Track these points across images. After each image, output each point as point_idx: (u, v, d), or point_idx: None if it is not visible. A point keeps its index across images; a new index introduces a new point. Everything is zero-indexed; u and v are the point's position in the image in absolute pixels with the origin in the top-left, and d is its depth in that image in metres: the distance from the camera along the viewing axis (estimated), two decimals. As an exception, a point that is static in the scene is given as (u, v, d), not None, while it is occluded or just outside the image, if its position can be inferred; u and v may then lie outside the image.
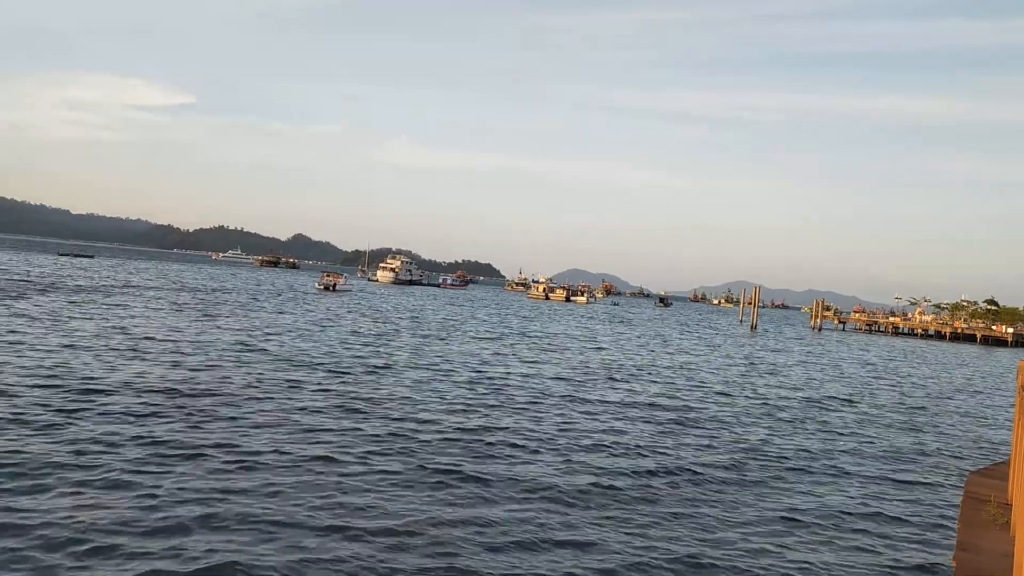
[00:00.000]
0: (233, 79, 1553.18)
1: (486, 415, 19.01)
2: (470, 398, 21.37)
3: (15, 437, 13.08)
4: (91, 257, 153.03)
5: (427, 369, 26.81)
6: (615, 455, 15.80)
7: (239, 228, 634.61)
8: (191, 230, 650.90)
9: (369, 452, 14.25)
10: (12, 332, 26.58)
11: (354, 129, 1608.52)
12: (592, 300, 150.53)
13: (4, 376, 18.32)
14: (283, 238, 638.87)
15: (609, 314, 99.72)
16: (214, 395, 18.38)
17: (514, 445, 15.92)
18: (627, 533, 11.12)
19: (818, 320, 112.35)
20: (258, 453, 13.47)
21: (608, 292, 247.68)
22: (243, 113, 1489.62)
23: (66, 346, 24.34)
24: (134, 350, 24.89)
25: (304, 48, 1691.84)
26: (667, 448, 16.95)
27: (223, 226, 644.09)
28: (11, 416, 14.51)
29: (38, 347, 23.54)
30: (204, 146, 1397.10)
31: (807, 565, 10.52)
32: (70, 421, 14.52)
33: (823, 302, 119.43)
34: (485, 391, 22.92)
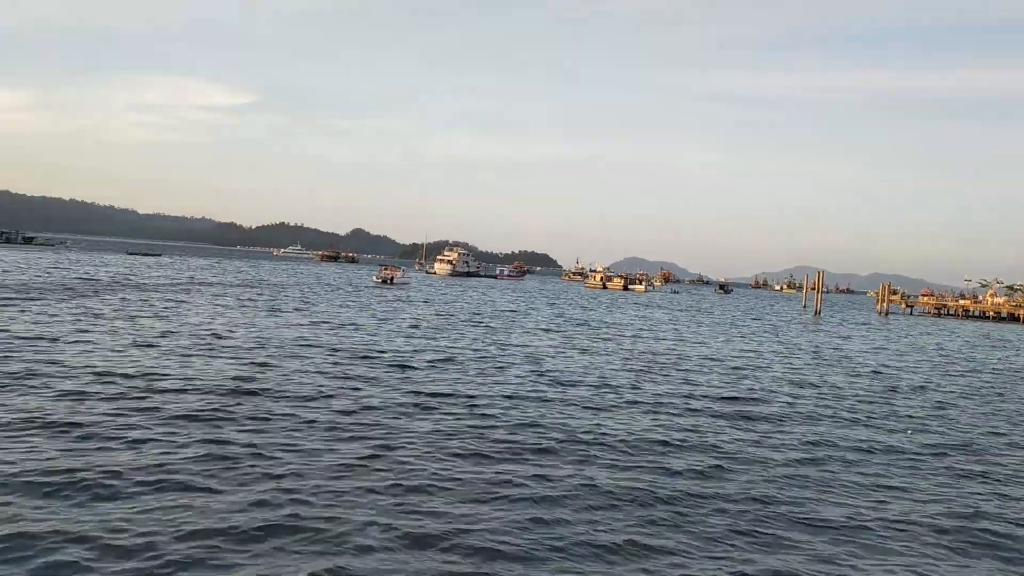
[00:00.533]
0: (292, 77, 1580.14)
1: (549, 409, 18.71)
2: (532, 391, 21.07)
3: (87, 446, 13.27)
4: (158, 255, 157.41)
5: (488, 361, 26.63)
6: (683, 450, 15.34)
7: (299, 224, 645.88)
8: (253, 227, 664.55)
9: (432, 447, 14.09)
10: (83, 331, 27.23)
11: (409, 123, 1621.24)
12: (650, 288, 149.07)
13: (75, 375, 18.72)
14: (342, 233, 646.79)
15: (668, 302, 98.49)
16: (279, 391, 18.46)
17: (578, 440, 15.59)
18: (704, 539, 10.71)
19: (884, 304, 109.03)
20: (318, 452, 13.43)
21: (666, 280, 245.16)
22: (302, 110, 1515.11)
23: (136, 344, 24.84)
24: (200, 346, 25.27)
25: (358, 45, 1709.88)
26: (737, 442, 16.41)
27: (284, 223, 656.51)
28: (87, 424, 14.75)
29: (106, 345, 24.06)
30: (265, 144, 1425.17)
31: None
32: (136, 418, 14.72)
33: (889, 285, 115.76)
34: (547, 384, 22.59)
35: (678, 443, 15.91)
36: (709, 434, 17.03)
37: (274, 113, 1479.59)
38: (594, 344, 35.75)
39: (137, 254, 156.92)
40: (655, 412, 19.24)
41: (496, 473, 12.83)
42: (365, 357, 25.59)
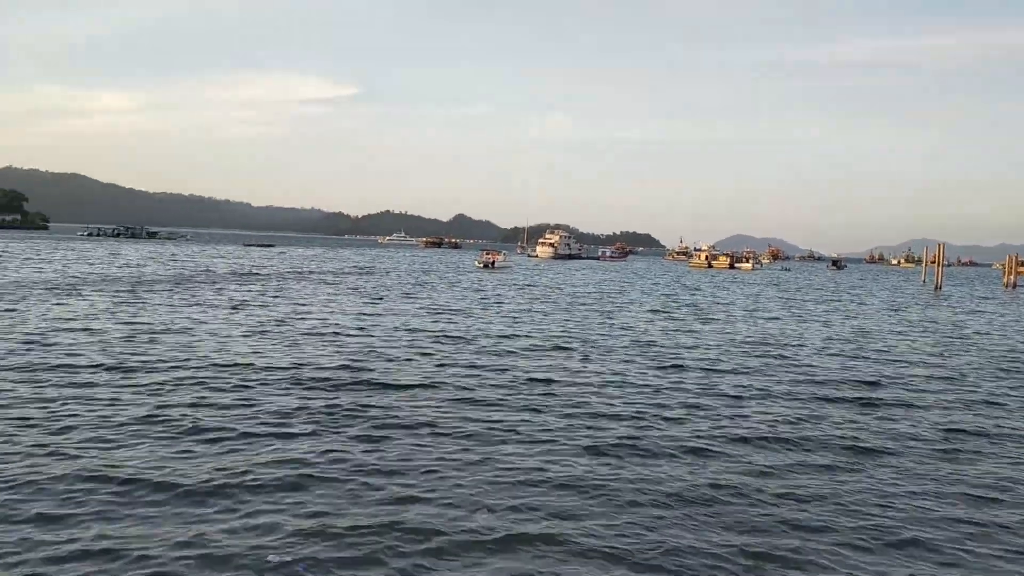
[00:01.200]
0: (392, 68, 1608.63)
1: (661, 394, 18.18)
2: (642, 375, 20.56)
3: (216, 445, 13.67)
4: (271, 246, 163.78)
5: (594, 346, 26.20)
6: (806, 442, 14.55)
7: (403, 212, 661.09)
8: (359, 216, 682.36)
9: (544, 436, 13.85)
10: (203, 323, 28.37)
11: (508, 108, 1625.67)
12: (758, 266, 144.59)
13: (199, 367, 19.44)
14: (444, 219, 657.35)
15: (778, 280, 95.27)
16: (390, 381, 18.62)
17: (694, 438, 15.03)
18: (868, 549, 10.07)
19: (1012, 276, 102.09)
20: (442, 433, 13.41)
21: (775, 257, 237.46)
22: (402, 99, 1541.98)
23: (253, 332, 25.66)
24: (314, 333, 25.90)
25: (457, 34, 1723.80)
26: (863, 429, 15.48)
27: (388, 211, 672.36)
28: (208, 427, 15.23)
29: (224, 334, 24.96)
30: (368, 134, 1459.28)
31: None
32: (249, 404, 15.10)
33: (1016, 256, 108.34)
34: (657, 368, 22.01)
35: (814, 437, 14.68)
36: (844, 426, 16.07)
37: (376, 103, 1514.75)
38: (704, 326, 34.75)
39: (252, 245, 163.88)
40: (778, 400, 18.18)
41: (605, 455, 12.48)
42: (470, 342, 25.62)
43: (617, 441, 13.75)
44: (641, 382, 19.76)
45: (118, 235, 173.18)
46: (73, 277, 49.21)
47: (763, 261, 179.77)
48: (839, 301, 58.79)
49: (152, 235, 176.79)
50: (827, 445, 14.08)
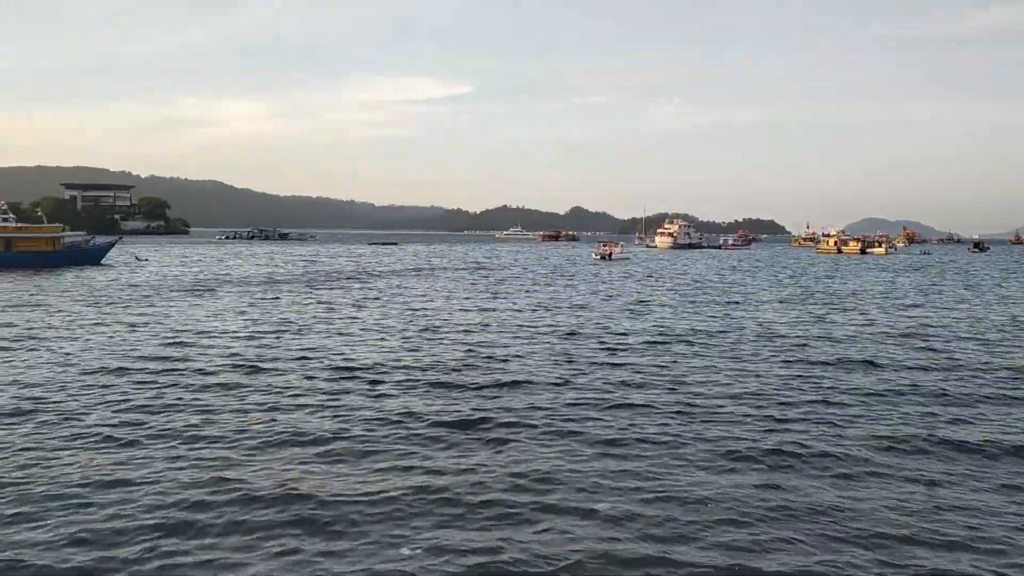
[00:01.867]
0: (507, 64, 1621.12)
1: (791, 391, 17.17)
2: (771, 372, 19.49)
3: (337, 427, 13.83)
4: (395, 244, 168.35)
5: (720, 339, 25.11)
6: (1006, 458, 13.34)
7: (520, 206, 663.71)
8: (478, 212, 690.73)
9: (669, 432, 13.27)
10: (352, 319, 29.14)
11: (621, 97, 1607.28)
12: (891, 250, 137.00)
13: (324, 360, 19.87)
14: (561, 212, 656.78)
15: (914, 265, 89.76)
16: (520, 375, 18.43)
17: (858, 442, 14.05)
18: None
19: None
20: (576, 434, 13.07)
21: (911, 240, 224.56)
22: (517, 95, 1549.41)
23: (379, 329, 26.14)
24: (436, 331, 26.12)
25: (564, 24, 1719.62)
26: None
27: (505, 205, 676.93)
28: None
29: (349, 330, 25.54)
30: (484, 131, 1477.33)
31: None
32: (373, 398, 15.20)
33: None
34: (786, 362, 20.82)
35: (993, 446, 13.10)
36: (992, 421, 14.72)
37: (491, 100, 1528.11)
38: (838, 316, 32.89)
39: (377, 244, 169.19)
40: (936, 401, 16.55)
41: (736, 455, 11.78)
42: (591, 336, 25.14)
43: (798, 447, 13.00)
44: (779, 375, 18.73)
45: (252, 237, 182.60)
46: (221, 276, 51.96)
47: (897, 244, 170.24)
48: (982, 286, 54.61)
49: (283, 236, 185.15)
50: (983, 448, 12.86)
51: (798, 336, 26.25)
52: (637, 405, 15.62)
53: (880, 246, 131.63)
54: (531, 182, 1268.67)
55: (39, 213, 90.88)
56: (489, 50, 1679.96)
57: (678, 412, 15.06)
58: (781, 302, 39.65)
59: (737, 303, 38.62)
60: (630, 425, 14.06)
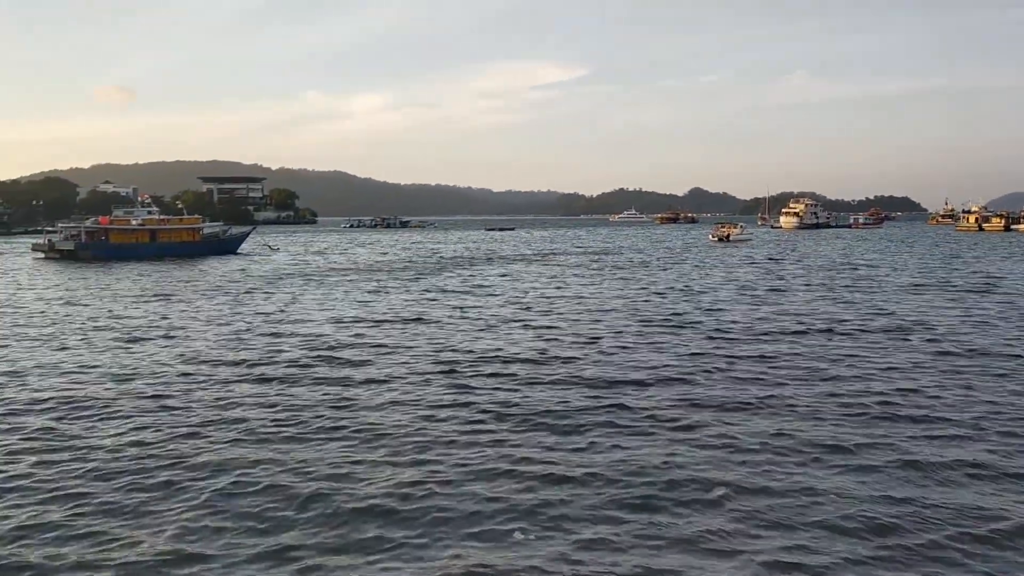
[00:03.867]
0: (623, 45, 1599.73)
1: (936, 385, 16.10)
2: (916, 365, 18.34)
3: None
4: (512, 230, 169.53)
5: (852, 331, 23.70)
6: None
7: (638, 189, 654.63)
8: (594, 195, 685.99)
9: (840, 449, 12.70)
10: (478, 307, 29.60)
11: (745, 73, 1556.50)
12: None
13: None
14: (680, 194, 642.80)
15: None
16: (641, 369, 18.17)
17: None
18: None
19: None
20: (698, 427, 12.75)
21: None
22: (634, 76, 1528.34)
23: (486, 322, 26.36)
24: (536, 324, 26.12)
25: (680, 3, 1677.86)
26: None
27: (623, 188, 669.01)
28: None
29: (461, 318, 25.86)
30: (600, 114, 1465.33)
31: None
32: (465, 392, 15.29)
33: None
34: (930, 357, 19.38)
35: None
36: None
37: (607, 82, 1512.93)
38: (986, 304, 30.62)
39: (494, 229, 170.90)
40: None
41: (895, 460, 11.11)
42: (699, 326, 24.47)
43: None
44: (925, 377, 17.32)
45: (375, 225, 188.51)
46: (355, 263, 53.90)
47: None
48: None
49: (404, 224, 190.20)
50: None
51: (941, 321, 24.62)
52: (766, 407, 15.03)
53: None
54: (649, 163, 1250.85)
55: (179, 205, 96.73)
56: (606, 32, 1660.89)
57: (823, 407, 14.40)
58: (918, 285, 37.19)
59: (868, 287, 36.56)
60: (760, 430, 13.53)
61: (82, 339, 22.80)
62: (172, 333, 23.68)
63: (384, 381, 16.63)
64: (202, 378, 17.10)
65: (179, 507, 9.74)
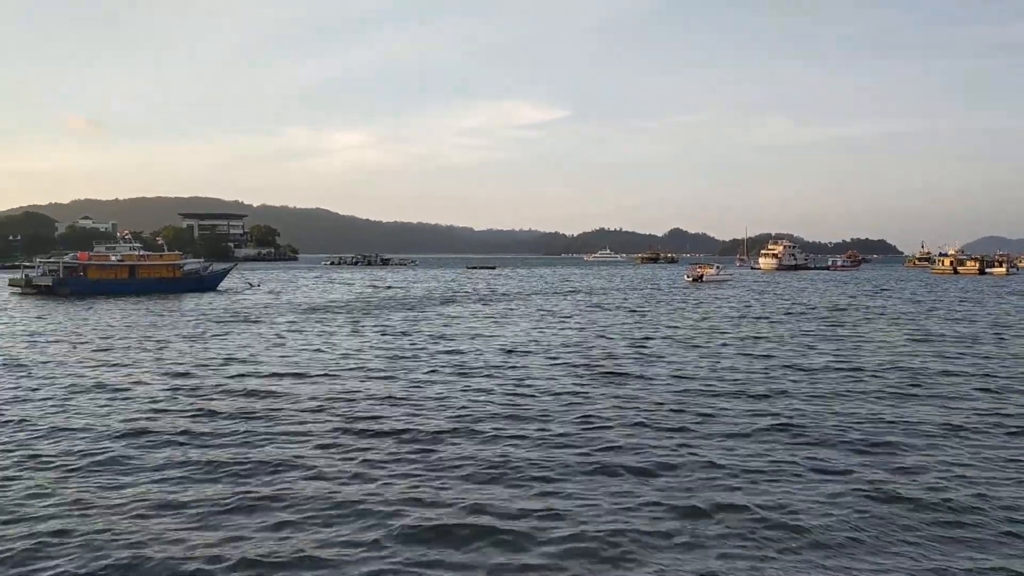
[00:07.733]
0: (605, 86, 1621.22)
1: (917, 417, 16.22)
2: (915, 411, 18.53)
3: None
4: (492, 268, 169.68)
5: (842, 374, 23.92)
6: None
7: (618, 228, 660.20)
8: (575, 235, 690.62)
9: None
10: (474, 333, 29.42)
11: (720, 114, 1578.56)
12: (1014, 271, 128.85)
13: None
14: (659, 234, 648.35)
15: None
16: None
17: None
18: None
19: None
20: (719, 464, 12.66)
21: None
22: (615, 116, 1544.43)
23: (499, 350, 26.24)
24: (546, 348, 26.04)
25: (661, 45, 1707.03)
26: None
27: (603, 228, 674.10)
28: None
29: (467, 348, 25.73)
30: (582, 154, 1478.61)
31: None
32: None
33: None
34: (911, 396, 19.72)
35: None
36: None
37: (589, 122, 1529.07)
38: (965, 345, 31.01)
39: (475, 267, 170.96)
40: None
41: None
42: (698, 379, 24.48)
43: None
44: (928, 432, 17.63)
45: (356, 263, 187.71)
46: (331, 302, 53.54)
47: (1020, 265, 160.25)
48: None
49: (385, 262, 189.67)
50: None
51: (928, 365, 24.86)
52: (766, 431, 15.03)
53: (1000, 265, 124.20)
54: (629, 204, 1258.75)
55: (160, 242, 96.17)
56: (589, 73, 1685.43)
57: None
58: (898, 326, 37.64)
59: (854, 324, 36.88)
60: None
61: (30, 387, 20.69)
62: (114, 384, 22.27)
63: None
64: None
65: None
